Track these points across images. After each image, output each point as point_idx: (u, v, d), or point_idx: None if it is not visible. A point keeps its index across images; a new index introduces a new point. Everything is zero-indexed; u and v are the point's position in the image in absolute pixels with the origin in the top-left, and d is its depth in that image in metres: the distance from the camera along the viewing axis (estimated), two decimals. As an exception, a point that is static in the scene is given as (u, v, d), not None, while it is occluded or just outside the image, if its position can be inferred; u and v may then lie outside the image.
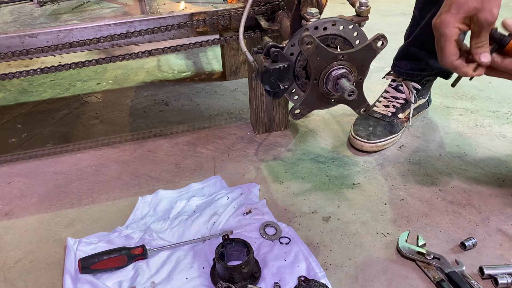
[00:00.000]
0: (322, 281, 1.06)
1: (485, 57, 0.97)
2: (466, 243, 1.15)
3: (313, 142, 1.58)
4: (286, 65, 0.99)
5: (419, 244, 1.16)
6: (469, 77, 1.03)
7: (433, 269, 1.10)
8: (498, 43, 0.98)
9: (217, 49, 2.20)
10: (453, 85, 1.12)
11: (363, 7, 1.06)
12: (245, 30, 1.36)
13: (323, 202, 1.33)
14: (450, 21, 0.95)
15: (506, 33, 0.98)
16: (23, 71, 1.33)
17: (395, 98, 1.59)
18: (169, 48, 1.38)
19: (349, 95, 0.94)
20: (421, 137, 1.58)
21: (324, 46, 0.95)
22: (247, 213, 1.26)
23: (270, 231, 1.20)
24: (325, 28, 0.99)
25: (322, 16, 1.04)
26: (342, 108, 1.14)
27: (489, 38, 0.97)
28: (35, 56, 1.30)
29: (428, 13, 1.41)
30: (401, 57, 1.58)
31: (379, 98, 1.63)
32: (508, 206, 1.28)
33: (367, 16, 1.07)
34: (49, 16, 1.44)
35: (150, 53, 1.38)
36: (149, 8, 1.41)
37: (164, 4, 1.46)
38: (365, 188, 1.37)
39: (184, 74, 2.06)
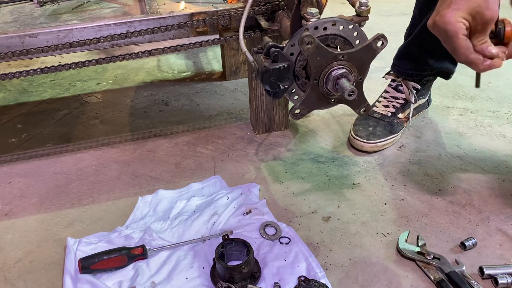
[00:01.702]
0: (322, 281, 1.06)
1: (494, 49, 0.93)
2: (466, 243, 1.15)
3: (313, 142, 1.58)
4: (286, 65, 0.99)
5: (419, 244, 1.16)
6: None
7: (433, 269, 1.10)
8: (495, 36, 0.97)
9: (217, 49, 2.20)
10: (477, 85, 1.09)
11: (363, 7, 1.05)
12: (245, 30, 1.36)
13: (323, 202, 1.33)
14: (453, 16, 0.91)
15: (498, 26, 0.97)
16: (23, 71, 1.33)
17: (395, 98, 1.59)
18: (169, 48, 1.38)
19: (349, 95, 0.94)
20: (421, 137, 1.58)
21: (324, 46, 0.94)
22: (247, 213, 1.26)
23: (270, 231, 1.20)
24: (325, 28, 0.99)
25: (322, 16, 1.04)
26: (342, 108, 1.14)
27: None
28: (35, 56, 1.30)
29: (428, 12, 1.41)
30: (401, 56, 1.58)
31: (379, 98, 1.63)
32: (508, 206, 1.28)
33: (367, 16, 1.07)
34: (49, 16, 1.44)
35: (150, 53, 1.38)
36: (149, 8, 1.41)
37: (164, 4, 1.46)
38: (365, 188, 1.37)
39: (184, 74, 2.06)
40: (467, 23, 0.92)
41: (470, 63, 0.95)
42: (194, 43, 1.39)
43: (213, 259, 1.10)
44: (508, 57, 0.97)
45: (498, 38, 0.96)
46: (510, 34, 0.95)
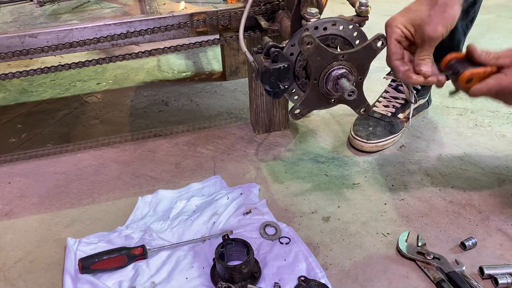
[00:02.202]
0: (322, 281, 1.06)
1: (426, 67, 0.97)
2: (466, 243, 1.15)
3: (313, 142, 1.58)
4: (286, 65, 0.99)
5: (419, 244, 1.16)
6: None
7: (433, 269, 1.10)
8: (453, 73, 0.98)
9: (217, 49, 2.20)
10: (451, 94, 1.11)
11: (363, 7, 1.06)
12: (245, 30, 1.36)
13: (323, 202, 1.33)
14: (395, 20, 0.98)
15: (462, 67, 0.97)
16: (23, 71, 1.33)
17: (395, 98, 1.59)
18: (169, 48, 1.38)
19: (349, 95, 0.94)
20: (421, 137, 1.58)
21: (324, 46, 0.95)
22: (247, 213, 1.26)
23: (270, 231, 1.20)
24: (325, 28, 0.99)
25: (322, 16, 1.04)
26: (342, 108, 1.14)
27: (447, 67, 0.98)
28: (35, 56, 1.30)
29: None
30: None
31: (379, 98, 1.63)
32: (508, 206, 1.28)
33: (367, 16, 1.07)
34: (49, 16, 1.44)
35: (150, 53, 1.38)
36: (149, 8, 1.41)
37: (164, 4, 1.46)
38: (365, 188, 1.37)
39: (184, 74, 2.06)
40: (407, 32, 0.98)
41: (392, 68, 1.01)
42: (194, 43, 1.39)
43: (213, 259, 1.10)
44: (476, 93, 0.98)
45: (456, 75, 0.97)
46: (463, 78, 0.95)
